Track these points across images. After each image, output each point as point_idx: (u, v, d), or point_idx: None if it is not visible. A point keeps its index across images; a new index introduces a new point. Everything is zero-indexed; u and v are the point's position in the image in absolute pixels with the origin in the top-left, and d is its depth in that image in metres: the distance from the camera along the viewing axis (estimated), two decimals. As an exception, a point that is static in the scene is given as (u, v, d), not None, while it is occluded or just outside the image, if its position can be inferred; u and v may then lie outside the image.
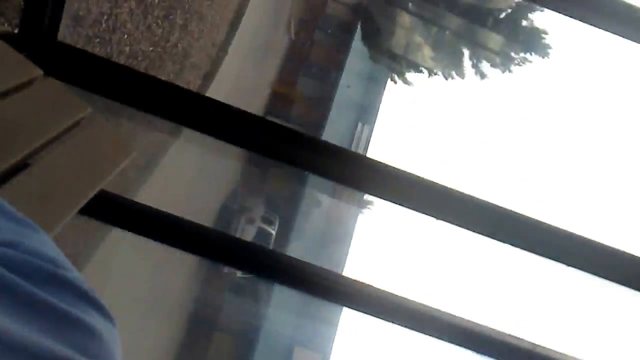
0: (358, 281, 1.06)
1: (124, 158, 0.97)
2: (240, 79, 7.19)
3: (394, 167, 1.38)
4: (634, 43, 1.50)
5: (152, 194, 3.97)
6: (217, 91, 5.01)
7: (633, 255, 1.18)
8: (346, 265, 11.66)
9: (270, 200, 11.03)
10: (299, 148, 1.24)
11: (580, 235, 1.16)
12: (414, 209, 1.37)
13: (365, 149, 13.44)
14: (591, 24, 1.51)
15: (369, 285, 1.07)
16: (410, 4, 12.76)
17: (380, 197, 1.43)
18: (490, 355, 1.27)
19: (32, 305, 0.29)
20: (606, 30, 1.54)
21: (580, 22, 1.29)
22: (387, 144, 14.67)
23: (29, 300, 0.29)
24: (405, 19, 12.73)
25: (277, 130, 1.09)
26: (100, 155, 0.94)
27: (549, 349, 1.32)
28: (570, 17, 1.45)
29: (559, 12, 1.38)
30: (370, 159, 1.28)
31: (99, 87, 1.05)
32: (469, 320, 1.24)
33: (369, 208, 12.11)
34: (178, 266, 6.23)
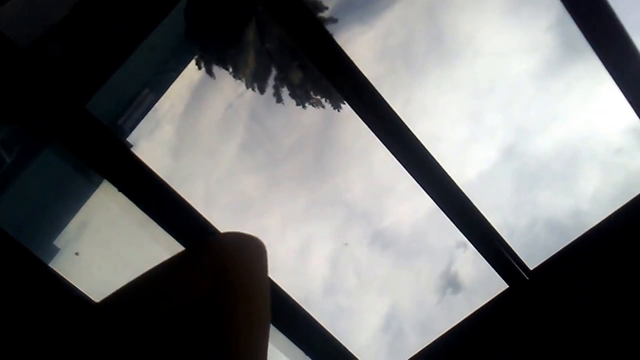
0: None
1: None
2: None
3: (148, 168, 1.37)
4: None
5: None
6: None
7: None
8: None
9: (24, 128, 9.85)
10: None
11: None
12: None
13: (143, 115, 12.98)
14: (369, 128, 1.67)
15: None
16: (257, 12, 12.78)
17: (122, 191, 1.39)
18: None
19: None
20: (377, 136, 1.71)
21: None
22: (163, 120, 14.30)
23: None
24: (248, 20, 12.72)
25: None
26: None
27: None
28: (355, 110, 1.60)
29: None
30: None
31: None
32: None
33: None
34: None
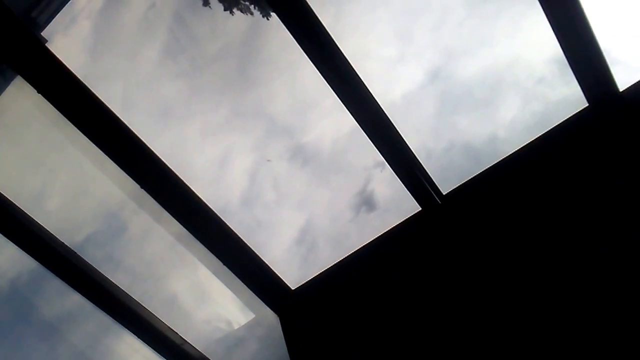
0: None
1: None
2: None
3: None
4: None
5: None
6: None
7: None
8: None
9: None
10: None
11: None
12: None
13: (59, 8, 12.11)
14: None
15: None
16: None
17: None
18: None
19: None
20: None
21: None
22: (81, 15, 13.41)
23: None
24: None
25: None
26: None
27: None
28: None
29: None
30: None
31: None
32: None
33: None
34: None
